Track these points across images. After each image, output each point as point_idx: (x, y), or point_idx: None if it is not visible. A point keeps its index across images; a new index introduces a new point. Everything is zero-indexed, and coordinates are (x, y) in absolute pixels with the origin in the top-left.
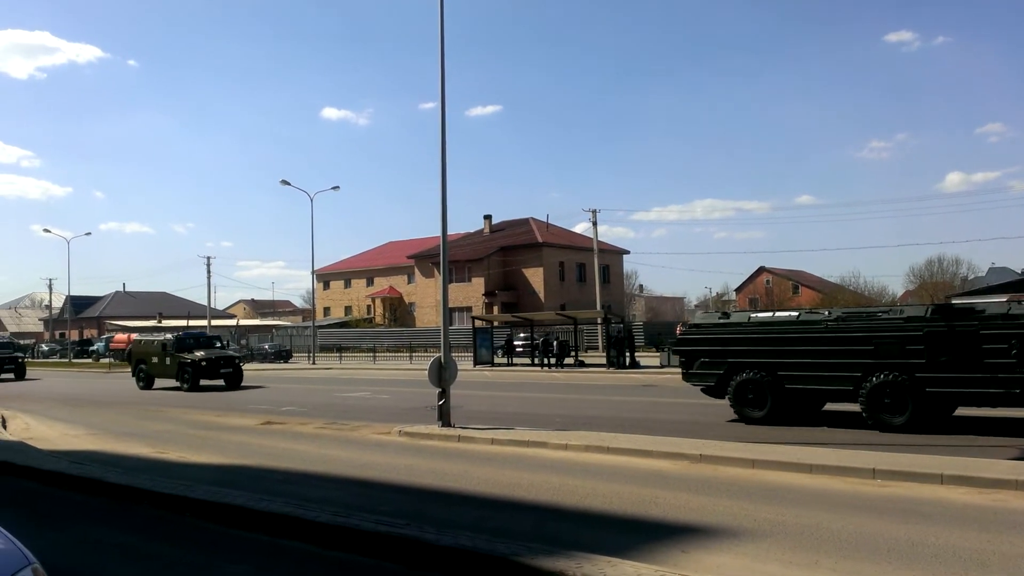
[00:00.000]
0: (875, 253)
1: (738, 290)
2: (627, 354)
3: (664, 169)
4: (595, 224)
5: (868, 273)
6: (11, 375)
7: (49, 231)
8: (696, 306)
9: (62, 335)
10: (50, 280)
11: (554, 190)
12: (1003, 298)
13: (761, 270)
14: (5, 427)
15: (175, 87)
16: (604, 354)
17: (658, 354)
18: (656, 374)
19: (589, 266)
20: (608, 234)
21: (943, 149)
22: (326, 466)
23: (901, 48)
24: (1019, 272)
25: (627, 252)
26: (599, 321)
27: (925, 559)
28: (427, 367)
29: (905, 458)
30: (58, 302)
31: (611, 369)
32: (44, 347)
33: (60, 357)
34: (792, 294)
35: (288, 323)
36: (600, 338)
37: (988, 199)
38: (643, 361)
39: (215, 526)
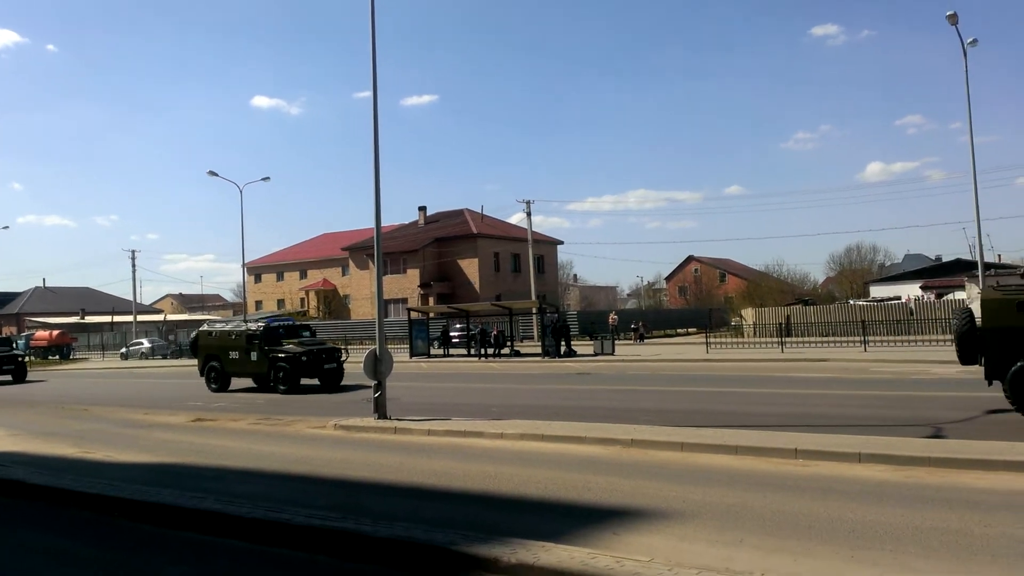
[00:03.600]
0: (799, 241)
1: (668, 278)
2: (563, 343)
3: (599, 161)
4: (529, 215)
5: (791, 261)
6: (8, 376)
7: None
8: (628, 295)
9: None
10: None
11: (490, 182)
12: (916, 284)
13: (690, 259)
14: None
15: (98, 74)
16: (540, 343)
17: (592, 342)
18: (591, 362)
19: (524, 257)
20: (543, 225)
21: (865, 140)
22: (259, 462)
23: (827, 41)
24: (932, 259)
25: (561, 243)
26: (534, 311)
27: (843, 534)
28: (363, 360)
29: (826, 438)
30: None
31: (547, 358)
32: None
33: None
34: (719, 282)
35: (219, 317)
36: (536, 328)
37: (906, 188)
38: (578, 349)
39: (147, 527)
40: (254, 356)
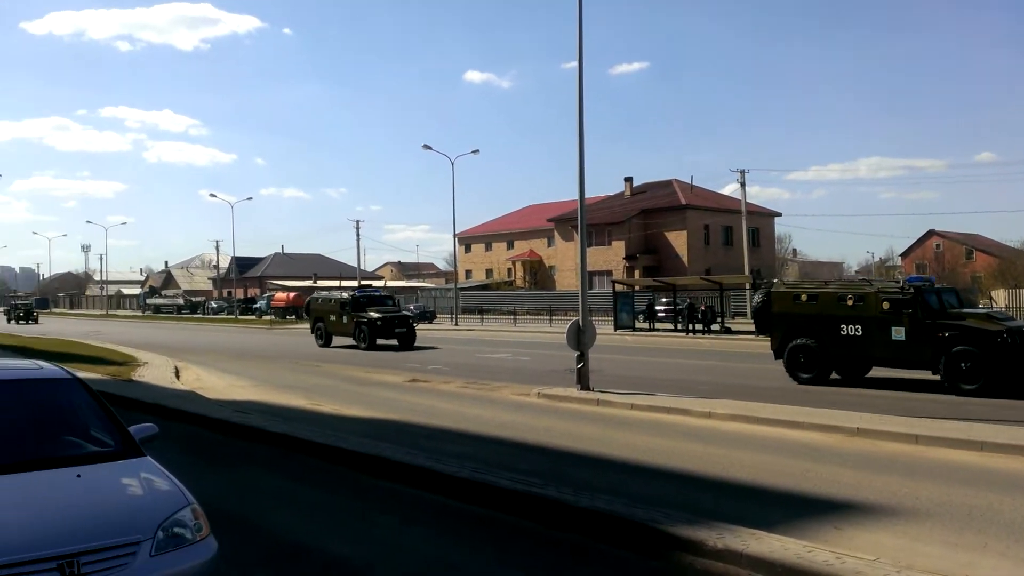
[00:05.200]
0: None
1: (904, 255)
2: None
3: (825, 126)
4: (743, 185)
5: None
6: (395, 341)
7: (215, 196)
8: (856, 272)
9: (229, 293)
10: (217, 242)
11: (701, 151)
12: None
13: (931, 233)
14: (178, 377)
15: (326, 55)
16: (752, 320)
17: None
18: None
19: (737, 229)
20: (760, 196)
21: None
22: (467, 424)
23: None
24: None
25: (779, 215)
26: (747, 286)
27: None
28: (566, 330)
29: None
30: (224, 263)
31: (760, 336)
32: (213, 304)
33: (227, 314)
34: (965, 259)
35: (432, 285)
36: (748, 304)
37: None
38: None
39: (364, 476)
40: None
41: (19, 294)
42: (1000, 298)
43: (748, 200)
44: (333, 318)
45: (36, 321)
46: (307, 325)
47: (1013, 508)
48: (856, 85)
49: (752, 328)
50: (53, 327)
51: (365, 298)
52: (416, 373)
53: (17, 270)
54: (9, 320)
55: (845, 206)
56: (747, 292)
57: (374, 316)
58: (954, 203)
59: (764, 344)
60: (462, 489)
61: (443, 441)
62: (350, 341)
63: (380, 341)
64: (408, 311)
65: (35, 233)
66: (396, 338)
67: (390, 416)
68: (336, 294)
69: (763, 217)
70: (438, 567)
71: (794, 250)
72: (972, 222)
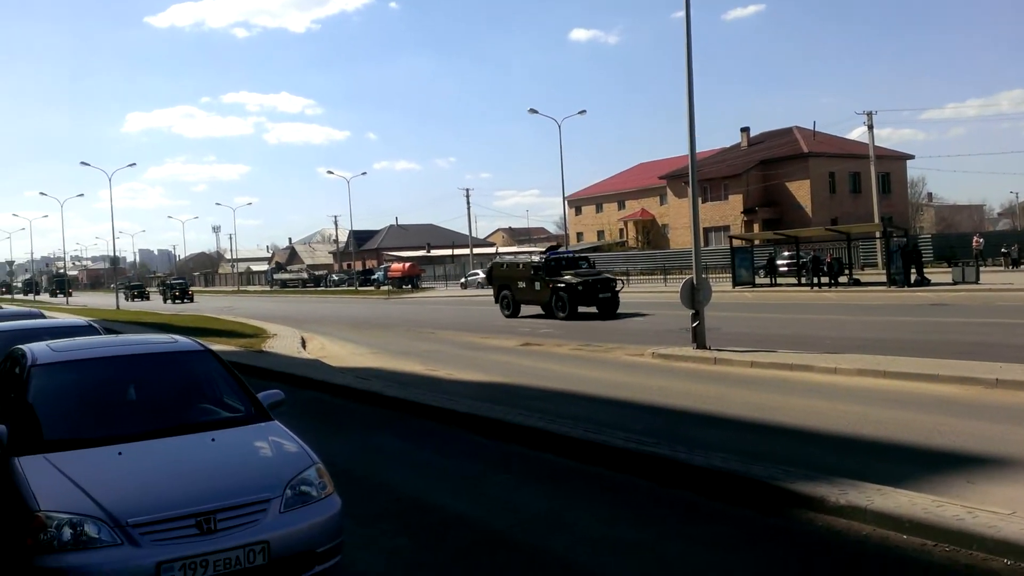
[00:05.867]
0: None
1: None
2: (912, 270)
3: (961, 60)
4: (871, 128)
5: None
6: (594, 308)
7: (332, 172)
8: (999, 214)
9: (348, 266)
10: (335, 217)
11: (823, 95)
12: None
13: None
14: (304, 347)
15: (431, 26)
16: (884, 271)
17: (950, 270)
18: (948, 291)
19: (865, 175)
20: (891, 138)
21: None
22: (581, 385)
23: None
24: None
25: (911, 157)
26: (877, 235)
27: None
28: (680, 289)
29: None
30: (343, 236)
31: (893, 287)
32: (335, 277)
33: (347, 286)
34: None
35: (543, 249)
36: (879, 254)
37: None
38: (932, 278)
39: (478, 437)
40: (538, 286)
41: (172, 276)
42: None
43: (877, 144)
44: (522, 285)
45: (192, 299)
46: (421, 294)
47: None
48: (992, 12)
49: (883, 279)
50: (190, 304)
51: (559, 260)
52: (528, 337)
53: (155, 252)
54: (165, 300)
55: (986, 144)
56: (877, 241)
57: (573, 281)
58: None
59: (896, 295)
60: (575, 449)
61: (556, 403)
62: (538, 310)
63: (581, 309)
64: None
65: (170, 217)
66: (598, 305)
67: (503, 379)
68: (523, 258)
69: (894, 161)
70: (553, 524)
71: (929, 194)
72: None
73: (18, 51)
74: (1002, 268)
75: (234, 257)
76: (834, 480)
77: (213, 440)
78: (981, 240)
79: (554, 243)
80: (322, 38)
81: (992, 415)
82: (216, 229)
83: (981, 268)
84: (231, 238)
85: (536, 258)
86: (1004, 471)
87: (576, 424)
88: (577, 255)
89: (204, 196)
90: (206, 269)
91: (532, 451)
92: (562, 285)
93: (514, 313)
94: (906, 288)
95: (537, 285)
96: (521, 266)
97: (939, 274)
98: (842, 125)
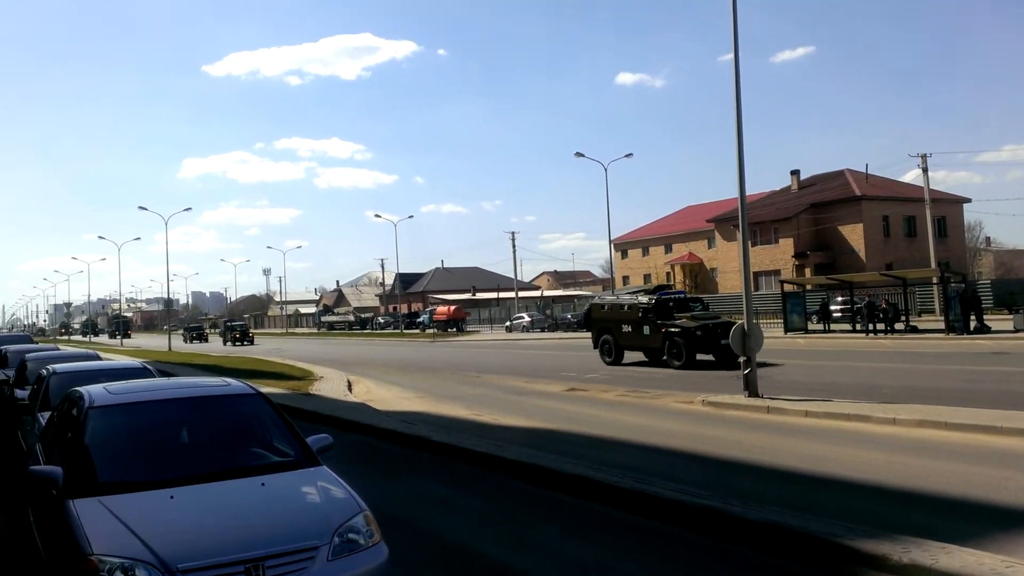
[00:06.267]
0: None
1: None
2: (972, 317)
3: (1018, 101)
4: (925, 170)
5: None
6: (711, 356)
7: (379, 216)
8: None
9: (394, 309)
10: (382, 260)
11: (875, 137)
12: None
13: None
14: (350, 390)
15: (479, 71)
16: (942, 318)
17: (1011, 316)
18: (1010, 339)
19: (920, 219)
20: (945, 181)
21: None
22: (628, 433)
23: None
24: None
25: (968, 200)
26: (934, 281)
27: None
28: (730, 334)
29: None
30: (389, 279)
31: (952, 335)
32: (380, 320)
33: (393, 328)
34: None
35: (589, 292)
36: (936, 300)
37: None
38: (992, 325)
39: (523, 484)
40: (646, 330)
41: (235, 320)
42: None
43: (932, 187)
44: (627, 328)
45: (252, 342)
46: (466, 338)
47: None
48: None
49: (941, 326)
50: (240, 348)
51: (672, 301)
52: (574, 382)
53: (207, 295)
54: (225, 342)
55: None
56: (934, 287)
57: (691, 325)
58: None
59: (955, 343)
60: (624, 499)
61: (603, 450)
62: (640, 356)
63: (699, 357)
64: (566, 319)
65: (222, 260)
66: (717, 352)
67: (549, 425)
68: (628, 298)
69: (950, 204)
70: (603, 575)
71: (987, 238)
72: None
73: (85, 94)
74: None
75: (283, 299)
76: (896, 538)
77: (263, 485)
78: None
79: (666, 284)
80: (372, 85)
81: None
82: (266, 272)
83: None
84: (281, 281)
85: (644, 299)
86: None
87: (625, 473)
88: (688, 296)
89: (256, 240)
90: (256, 311)
91: (579, 500)
92: (677, 330)
93: (616, 360)
94: (965, 336)
95: (646, 329)
96: (627, 308)
97: (999, 321)
98: (895, 168)
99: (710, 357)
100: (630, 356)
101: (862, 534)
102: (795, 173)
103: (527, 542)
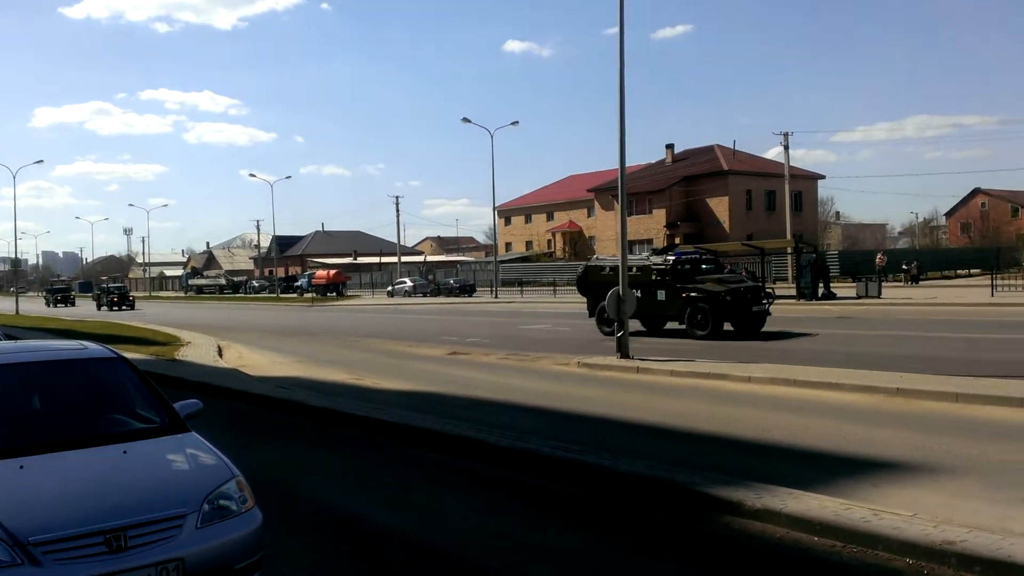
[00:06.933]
0: None
1: (948, 214)
2: (820, 284)
3: (873, 85)
4: (787, 148)
5: None
6: (730, 326)
7: (255, 176)
8: (900, 233)
9: (270, 272)
10: (258, 221)
11: (745, 116)
12: None
13: (976, 192)
14: (221, 356)
15: (365, 30)
16: (794, 285)
17: (854, 284)
18: (852, 304)
19: (779, 193)
20: (804, 159)
21: None
22: (507, 394)
23: None
24: None
25: (822, 177)
26: (789, 251)
27: None
28: (606, 300)
29: None
30: (265, 242)
31: (802, 300)
32: (255, 283)
33: (269, 293)
34: (1011, 217)
35: (471, 259)
36: (790, 269)
37: None
38: (839, 292)
39: (405, 447)
40: (661, 295)
41: (60, 278)
42: None
43: (792, 163)
44: (637, 294)
45: (132, 307)
46: (347, 302)
47: None
48: (904, 41)
49: (793, 292)
50: (96, 310)
51: (690, 262)
52: (455, 346)
53: (61, 255)
54: (100, 306)
55: (890, 166)
56: (789, 257)
57: (718, 289)
58: (1002, 161)
59: (805, 308)
60: (504, 458)
61: (484, 412)
62: (637, 325)
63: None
64: (448, 284)
65: (78, 218)
66: (745, 321)
67: (431, 388)
68: (637, 259)
69: (806, 180)
70: (482, 532)
71: (837, 213)
72: (1020, 179)
73: None
74: (902, 283)
75: (146, 261)
76: (750, 485)
77: (125, 452)
78: (884, 257)
79: (675, 241)
80: (249, 37)
81: (892, 422)
82: (128, 231)
83: (883, 283)
84: (144, 241)
85: (654, 259)
86: (905, 475)
87: (504, 433)
88: (704, 256)
89: (116, 196)
90: (115, 273)
91: (461, 461)
92: (700, 294)
93: (618, 329)
94: (814, 301)
95: (661, 294)
96: (636, 270)
97: (844, 288)
98: (761, 144)
99: (727, 326)
100: (635, 324)
101: (720, 482)
102: (670, 147)
103: (409, 503)
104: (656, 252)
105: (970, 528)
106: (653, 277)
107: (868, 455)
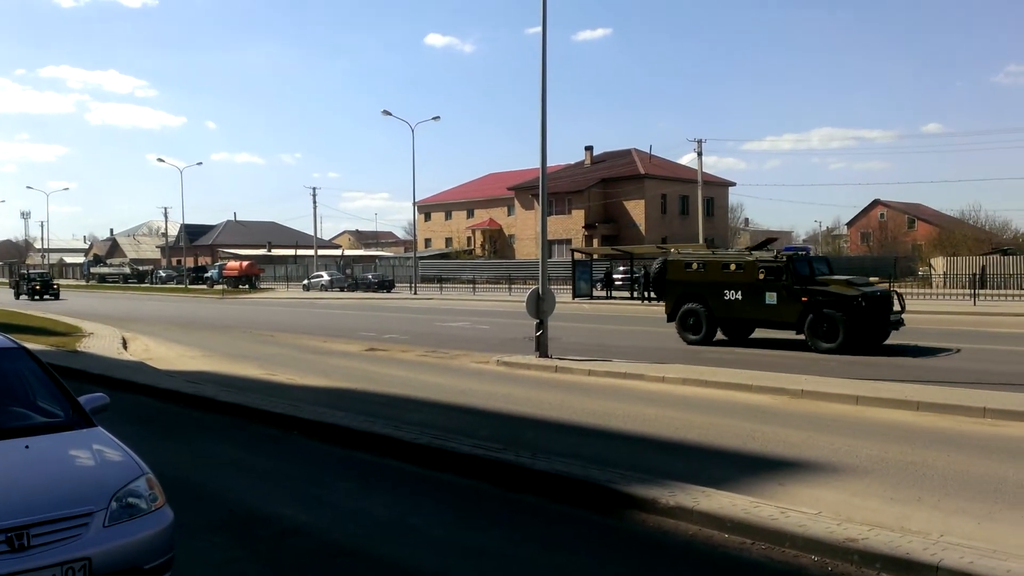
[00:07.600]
0: (1000, 185)
1: (850, 224)
2: None
3: (782, 96)
4: (700, 155)
5: (991, 207)
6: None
7: (163, 160)
8: (804, 240)
9: (178, 262)
10: (165, 209)
11: (662, 120)
12: None
13: (876, 203)
14: (126, 348)
15: (283, 14)
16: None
17: None
18: None
19: (693, 199)
20: (717, 165)
21: None
22: (426, 392)
23: None
24: None
25: (733, 184)
26: None
27: None
28: (525, 298)
29: (1019, 397)
30: (173, 230)
31: None
32: (162, 273)
33: (177, 283)
34: (908, 228)
35: (391, 254)
36: None
37: None
38: None
39: (319, 444)
40: (771, 298)
41: (34, 268)
42: (939, 266)
43: (704, 170)
44: (733, 295)
45: (57, 296)
46: (260, 295)
47: (945, 464)
48: (814, 55)
49: None
50: (15, 299)
51: (805, 261)
52: (373, 342)
53: None
54: (18, 295)
55: (796, 176)
56: None
57: (850, 293)
58: (901, 174)
59: None
60: (421, 455)
61: (402, 409)
62: (718, 334)
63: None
64: (366, 280)
65: None
66: (877, 332)
67: (347, 385)
68: (735, 254)
69: (718, 187)
70: (397, 529)
71: (746, 219)
72: (916, 192)
73: None
74: None
75: (45, 247)
76: (664, 483)
77: (27, 447)
78: None
79: (772, 236)
80: (160, 15)
81: (797, 423)
82: (25, 215)
83: None
84: (43, 226)
85: (758, 254)
86: (810, 474)
87: (422, 431)
88: (812, 254)
89: (12, 178)
90: (12, 259)
91: (377, 458)
92: (827, 298)
93: (707, 338)
94: None
95: (770, 297)
96: (735, 267)
97: None
98: (677, 150)
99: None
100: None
101: (635, 480)
102: (589, 149)
103: (322, 501)
104: (749, 249)
105: (871, 526)
106: (760, 276)
107: (776, 454)
